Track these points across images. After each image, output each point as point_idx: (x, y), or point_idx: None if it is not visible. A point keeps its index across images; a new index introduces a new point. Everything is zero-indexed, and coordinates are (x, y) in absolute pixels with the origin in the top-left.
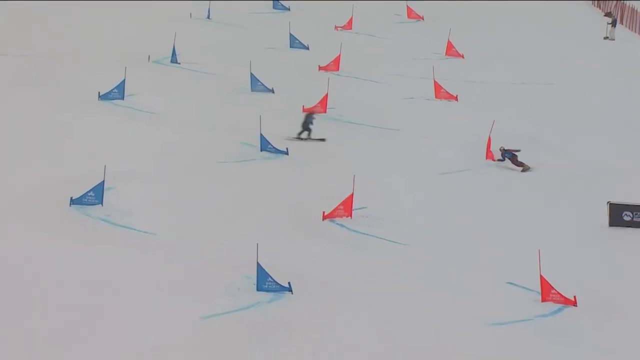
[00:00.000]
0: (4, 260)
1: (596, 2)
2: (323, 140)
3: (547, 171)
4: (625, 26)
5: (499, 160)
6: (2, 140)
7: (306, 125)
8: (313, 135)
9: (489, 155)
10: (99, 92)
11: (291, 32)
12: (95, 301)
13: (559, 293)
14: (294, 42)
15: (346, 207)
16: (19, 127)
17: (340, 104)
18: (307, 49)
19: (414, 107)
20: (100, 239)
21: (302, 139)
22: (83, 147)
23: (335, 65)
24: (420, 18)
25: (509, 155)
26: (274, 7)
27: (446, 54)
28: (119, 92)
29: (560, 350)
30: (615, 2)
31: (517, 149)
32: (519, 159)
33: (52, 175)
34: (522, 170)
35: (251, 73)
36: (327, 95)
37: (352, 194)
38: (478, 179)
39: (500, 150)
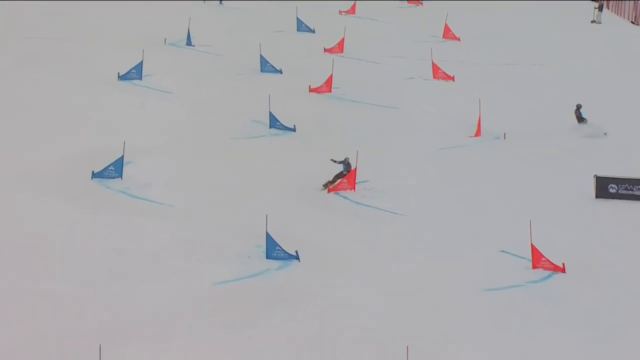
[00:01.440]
0: (30, 229)
1: None
2: (605, 134)
3: (538, 146)
4: (612, 11)
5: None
6: (27, 117)
7: (580, 119)
8: None
9: (478, 132)
10: (118, 73)
11: (298, 17)
12: (113, 267)
13: (548, 260)
14: (301, 26)
15: (350, 180)
16: (43, 105)
17: (344, 84)
18: (313, 32)
19: (413, 86)
20: (119, 210)
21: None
22: (104, 123)
23: (339, 47)
24: (419, 3)
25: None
26: None
27: (443, 37)
28: (137, 72)
29: (549, 313)
30: None
31: (345, 162)
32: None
33: (74, 150)
34: (324, 186)
35: (261, 55)
36: (332, 75)
37: (355, 168)
38: (473, 154)
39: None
